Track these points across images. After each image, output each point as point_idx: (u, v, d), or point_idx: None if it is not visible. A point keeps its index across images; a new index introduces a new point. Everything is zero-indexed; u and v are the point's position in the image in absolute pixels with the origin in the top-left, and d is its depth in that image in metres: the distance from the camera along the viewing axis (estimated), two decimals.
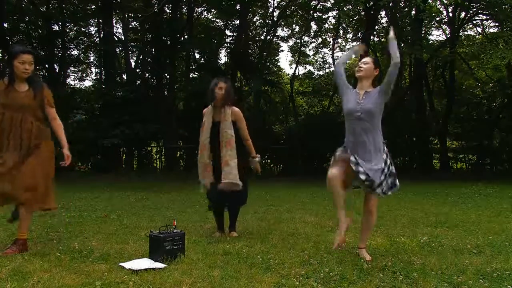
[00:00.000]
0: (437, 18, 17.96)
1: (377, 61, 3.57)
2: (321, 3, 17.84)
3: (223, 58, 20.60)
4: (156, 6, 15.10)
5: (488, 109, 18.55)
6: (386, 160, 3.34)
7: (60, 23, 16.46)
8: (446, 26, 18.72)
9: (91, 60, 20.52)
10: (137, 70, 18.26)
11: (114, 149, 14.86)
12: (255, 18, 20.56)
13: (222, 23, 20.24)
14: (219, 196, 4.24)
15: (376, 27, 17.52)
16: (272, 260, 3.27)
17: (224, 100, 4.26)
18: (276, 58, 22.41)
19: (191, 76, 18.64)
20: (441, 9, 17.63)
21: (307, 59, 23.28)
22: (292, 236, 4.33)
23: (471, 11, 16.52)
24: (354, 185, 3.42)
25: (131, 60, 19.04)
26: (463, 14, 17.08)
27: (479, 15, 17.02)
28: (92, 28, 18.89)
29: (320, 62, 23.46)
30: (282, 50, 33.29)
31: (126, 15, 18.93)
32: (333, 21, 20.22)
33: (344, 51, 22.42)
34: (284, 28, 21.32)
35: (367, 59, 3.48)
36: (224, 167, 4.15)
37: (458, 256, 3.50)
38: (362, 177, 3.22)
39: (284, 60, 57.75)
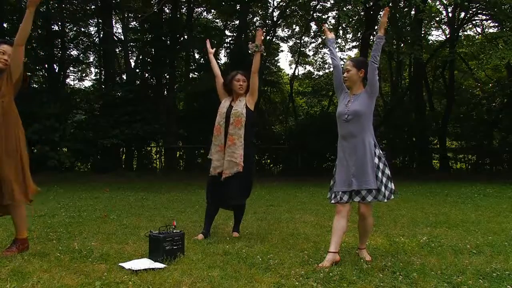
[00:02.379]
0: (437, 18, 17.97)
1: (359, 61, 3.51)
2: (321, 3, 17.86)
3: (223, 58, 20.62)
4: (156, 6, 15.10)
5: (487, 109, 18.55)
6: (378, 165, 3.31)
7: (60, 23, 16.46)
8: (445, 26, 18.74)
9: (91, 60, 20.55)
10: (137, 70, 18.27)
11: (114, 149, 14.87)
12: (255, 19, 20.57)
13: (222, 23, 20.27)
14: (218, 190, 4.21)
15: (376, 27, 17.51)
16: (272, 260, 3.27)
17: (245, 91, 4.33)
18: (276, 58, 22.46)
19: (190, 76, 18.65)
20: (440, 9, 17.65)
21: (307, 59, 23.31)
22: (292, 236, 4.33)
23: (470, 11, 16.52)
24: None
25: (131, 60, 19.08)
26: (462, 14, 17.08)
27: (479, 15, 17.03)
28: (92, 28, 18.92)
29: (320, 62, 23.51)
30: (282, 51, 33.41)
31: (126, 15, 18.93)
32: (333, 21, 20.25)
33: (344, 51, 22.46)
34: (284, 28, 21.36)
35: (348, 66, 3.46)
36: (231, 145, 4.14)
37: (457, 256, 3.50)
38: (368, 199, 3.30)
39: (284, 60, 57.87)
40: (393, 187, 3.37)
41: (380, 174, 3.30)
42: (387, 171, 3.35)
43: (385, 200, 3.33)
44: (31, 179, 3.46)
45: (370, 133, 3.36)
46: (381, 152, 3.39)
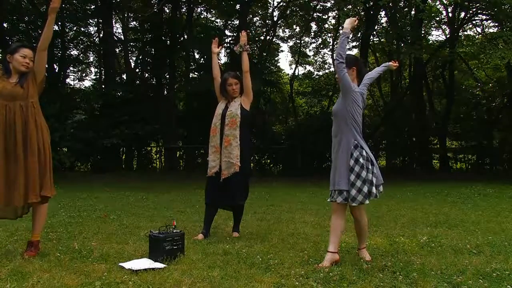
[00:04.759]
0: (437, 18, 17.95)
1: (348, 60, 3.41)
2: (321, 3, 17.85)
3: (223, 58, 20.61)
4: (156, 6, 15.10)
5: (487, 109, 18.55)
6: (353, 167, 3.21)
7: (60, 23, 16.46)
8: (445, 26, 18.73)
9: (91, 60, 20.55)
10: (137, 70, 18.26)
11: (114, 149, 14.86)
12: (255, 19, 20.56)
13: (221, 23, 20.27)
14: (217, 191, 4.24)
15: (376, 27, 17.50)
16: (272, 260, 3.27)
17: (240, 92, 4.38)
18: (276, 58, 22.45)
19: (190, 76, 18.64)
20: (440, 9, 17.64)
21: (307, 59, 23.31)
22: (292, 236, 4.33)
23: (471, 11, 16.51)
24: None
25: (131, 60, 19.07)
26: (462, 14, 17.07)
27: (479, 15, 17.01)
28: (91, 28, 18.91)
29: (320, 63, 23.51)
30: (282, 51, 33.38)
31: (126, 15, 18.93)
32: (333, 21, 20.25)
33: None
34: (284, 28, 21.36)
35: None
36: (227, 146, 4.17)
37: (457, 256, 3.50)
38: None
39: (284, 60, 57.90)
40: (373, 190, 3.23)
41: (353, 177, 3.20)
42: (364, 174, 3.21)
43: (353, 204, 3.22)
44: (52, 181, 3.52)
45: (350, 134, 3.29)
46: (364, 154, 3.26)
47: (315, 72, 23.66)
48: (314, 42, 21.96)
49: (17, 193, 3.29)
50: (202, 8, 19.25)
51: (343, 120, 3.31)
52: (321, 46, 21.93)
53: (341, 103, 3.34)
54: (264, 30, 20.41)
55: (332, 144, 3.42)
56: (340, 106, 3.34)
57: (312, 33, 21.07)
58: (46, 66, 3.62)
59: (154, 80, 17.86)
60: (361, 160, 3.24)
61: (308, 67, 24.05)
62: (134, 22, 19.35)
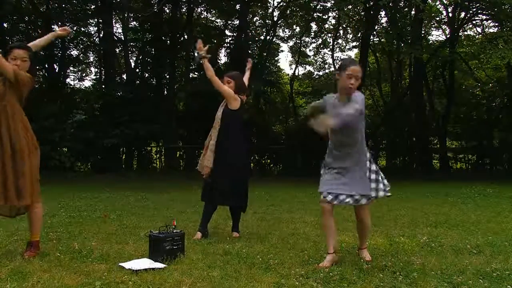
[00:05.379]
0: (437, 18, 17.97)
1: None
2: (321, 4, 17.87)
3: (223, 58, 20.62)
4: (156, 6, 15.10)
5: (488, 109, 18.55)
6: (370, 167, 3.29)
7: (60, 23, 16.45)
8: (446, 26, 18.74)
9: (91, 60, 20.55)
10: (137, 70, 18.25)
11: (114, 149, 14.86)
12: (255, 18, 20.57)
13: (222, 23, 20.28)
14: (208, 190, 4.29)
15: (376, 27, 17.51)
16: (272, 260, 3.27)
17: (234, 91, 4.39)
18: (276, 58, 22.46)
19: (191, 76, 18.65)
20: (441, 9, 17.66)
21: (307, 59, 23.32)
22: (292, 236, 4.34)
23: (471, 11, 16.52)
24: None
25: (131, 60, 19.06)
26: (463, 14, 17.08)
27: (479, 15, 17.02)
28: (91, 28, 18.91)
29: (320, 63, 23.52)
30: (282, 51, 33.41)
31: (126, 15, 18.92)
32: (333, 21, 20.26)
33: (344, 51, 22.43)
34: (285, 29, 21.38)
35: (359, 73, 3.31)
36: (206, 148, 4.32)
37: (458, 256, 3.50)
38: (351, 201, 3.27)
39: (284, 60, 57.94)
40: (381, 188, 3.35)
41: (373, 175, 3.31)
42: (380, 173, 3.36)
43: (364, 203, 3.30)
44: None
45: (363, 142, 3.37)
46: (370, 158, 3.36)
47: (315, 72, 23.67)
48: (314, 42, 21.94)
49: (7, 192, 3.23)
50: (202, 8, 19.25)
51: (354, 130, 3.27)
52: (321, 46, 21.94)
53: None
54: (264, 30, 20.41)
55: (342, 153, 3.34)
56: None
57: (312, 33, 21.07)
58: (30, 67, 3.47)
59: (154, 80, 17.85)
60: (373, 167, 3.34)
61: (308, 67, 24.09)
62: (134, 22, 19.35)
